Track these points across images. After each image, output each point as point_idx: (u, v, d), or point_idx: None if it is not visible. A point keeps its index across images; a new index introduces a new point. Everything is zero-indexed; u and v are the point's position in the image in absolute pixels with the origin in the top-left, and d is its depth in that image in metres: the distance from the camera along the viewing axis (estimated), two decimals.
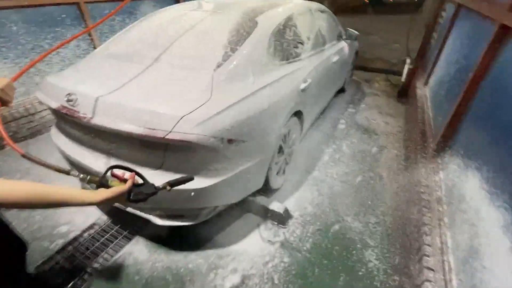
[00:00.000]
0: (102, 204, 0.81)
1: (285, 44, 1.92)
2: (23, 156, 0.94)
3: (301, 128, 2.23)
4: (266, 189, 1.94)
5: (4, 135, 0.94)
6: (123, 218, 1.85)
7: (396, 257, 1.63)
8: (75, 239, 1.72)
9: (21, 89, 2.66)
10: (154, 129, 1.14)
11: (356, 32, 3.35)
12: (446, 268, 1.12)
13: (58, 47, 1.26)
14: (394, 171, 2.40)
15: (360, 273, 1.54)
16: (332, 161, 2.52)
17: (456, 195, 1.30)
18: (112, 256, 1.62)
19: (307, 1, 2.68)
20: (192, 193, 1.23)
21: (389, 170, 2.42)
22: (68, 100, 1.30)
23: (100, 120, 1.21)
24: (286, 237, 1.75)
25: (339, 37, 3.23)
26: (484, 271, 0.88)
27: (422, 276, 1.15)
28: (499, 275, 0.82)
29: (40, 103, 2.75)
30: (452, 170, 1.45)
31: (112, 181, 0.87)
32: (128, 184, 0.85)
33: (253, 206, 1.89)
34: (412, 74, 3.76)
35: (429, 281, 1.12)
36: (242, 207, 1.92)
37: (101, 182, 0.87)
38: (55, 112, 1.46)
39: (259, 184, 1.79)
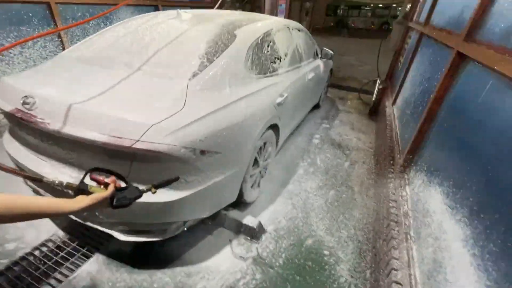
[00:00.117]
0: (83, 213, 0.74)
1: (262, 58, 1.95)
2: None
3: (277, 141, 2.25)
4: (240, 203, 1.89)
5: None
6: (82, 234, 1.70)
7: (367, 271, 1.65)
8: (23, 258, 1.53)
9: None
10: (120, 137, 1.07)
11: (331, 52, 3.52)
12: (413, 282, 1.14)
13: (19, 43, 1.16)
14: (365, 186, 2.48)
15: None
16: (307, 174, 2.55)
17: (421, 209, 1.36)
18: (66, 277, 1.46)
19: (286, 19, 2.79)
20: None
21: (360, 185, 2.49)
22: (24, 103, 1.19)
23: (60, 126, 1.12)
24: (259, 252, 1.71)
25: (315, 56, 3.37)
26: (448, 284, 0.91)
27: None
28: None
29: None
30: (417, 185, 1.52)
31: (92, 187, 0.81)
32: (110, 189, 0.80)
33: (225, 221, 1.83)
34: (382, 93, 4.00)
35: None
36: (214, 221, 1.85)
37: (80, 188, 0.80)
38: (9, 116, 1.32)
39: (233, 198, 1.74)
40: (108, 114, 1.13)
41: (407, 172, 1.80)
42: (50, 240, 1.65)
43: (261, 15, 2.76)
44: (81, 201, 0.75)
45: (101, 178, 0.83)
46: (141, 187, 0.88)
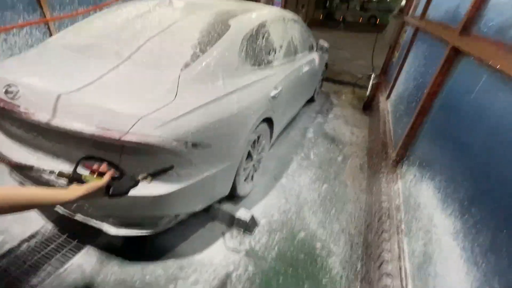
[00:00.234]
0: (77, 202, 0.72)
1: (257, 50, 1.91)
2: None
3: (271, 135, 2.23)
4: (233, 196, 1.88)
5: None
6: (72, 227, 1.66)
7: (359, 264, 1.67)
8: (10, 251, 1.50)
9: None
10: (108, 129, 1.03)
11: (327, 45, 3.49)
12: (403, 274, 1.16)
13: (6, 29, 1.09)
14: (358, 180, 2.50)
15: (324, 281, 1.55)
16: (300, 169, 2.55)
17: (412, 203, 1.37)
18: (56, 269, 1.44)
19: (281, 10, 2.74)
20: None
21: (353, 179, 2.51)
22: (7, 92, 1.13)
23: (45, 116, 1.07)
24: (251, 245, 1.71)
25: (311, 48, 3.33)
26: (437, 277, 0.93)
27: (381, 282, 1.18)
28: (450, 281, 0.86)
29: None
30: (409, 180, 1.54)
31: (86, 176, 0.78)
32: (106, 178, 0.77)
33: (218, 214, 1.82)
34: (376, 88, 4.00)
35: (388, 286, 1.15)
36: (206, 215, 1.84)
37: (73, 177, 0.77)
38: None
39: (226, 191, 1.73)
40: (96, 105, 1.09)
41: (399, 166, 1.82)
42: (38, 233, 1.61)
43: (257, 4, 2.69)
44: (76, 190, 0.72)
45: (94, 166, 0.81)
46: (137, 176, 0.86)
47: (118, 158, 1.13)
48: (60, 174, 0.78)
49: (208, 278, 1.48)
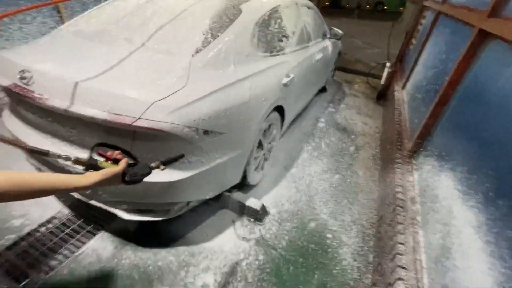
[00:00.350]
0: (93, 188, 0.72)
1: (269, 36, 1.86)
2: None
3: (282, 124, 2.19)
4: (243, 185, 1.88)
5: None
6: (87, 212, 1.71)
7: (370, 255, 1.65)
8: (29, 234, 1.55)
9: None
10: (120, 114, 1.03)
11: (341, 32, 3.37)
12: (418, 267, 1.13)
13: (18, 12, 1.07)
14: (371, 171, 2.44)
15: (334, 271, 1.54)
16: (311, 158, 2.51)
17: (430, 195, 1.32)
18: (72, 253, 1.48)
19: None
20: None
21: (365, 169, 2.45)
22: (22, 78, 1.14)
23: (58, 102, 1.08)
24: (262, 234, 1.71)
25: (324, 35, 3.23)
26: (456, 270, 0.89)
27: (395, 275, 1.16)
28: (471, 275, 0.83)
29: None
30: (426, 171, 1.48)
31: (102, 162, 0.79)
32: (122, 164, 0.78)
33: (229, 202, 1.82)
34: (391, 77, 3.86)
35: (402, 279, 1.12)
36: (217, 202, 1.85)
37: (90, 163, 0.78)
38: (7, 91, 1.28)
39: (236, 179, 1.72)
40: (108, 91, 1.08)
41: (415, 157, 1.76)
42: (55, 218, 1.66)
43: None
44: (93, 176, 0.73)
45: (109, 153, 0.81)
46: (150, 164, 0.86)
47: (130, 144, 1.13)
48: (76, 160, 0.78)
49: (218, 265, 1.50)
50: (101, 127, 1.09)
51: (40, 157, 1.33)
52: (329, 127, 3.14)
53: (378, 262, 1.49)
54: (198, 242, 1.61)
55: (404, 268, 1.16)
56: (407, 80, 3.05)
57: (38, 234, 1.56)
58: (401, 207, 1.48)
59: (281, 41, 2.03)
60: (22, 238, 1.53)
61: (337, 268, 1.56)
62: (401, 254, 1.22)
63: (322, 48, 3.00)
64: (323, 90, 4.02)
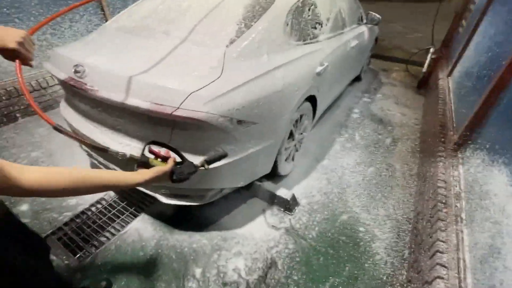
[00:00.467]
0: (145, 185, 0.78)
1: (302, 24, 1.81)
2: (55, 128, 0.91)
3: (314, 114, 2.15)
4: (274, 175, 1.89)
5: (34, 105, 0.88)
6: (129, 195, 1.86)
7: (405, 251, 1.58)
8: (83, 212, 1.74)
9: (33, 63, 2.65)
10: (161, 104, 1.09)
11: (379, 16, 3.15)
12: (461, 266, 1.06)
13: (74, 7, 1.17)
14: (408, 164, 2.31)
15: (366, 265, 1.51)
16: (343, 150, 2.44)
17: (478, 191, 1.22)
18: (118, 231, 1.64)
19: None
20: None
21: (402, 163, 2.32)
22: (76, 72, 1.26)
23: (107, 93, 1.17)
24: (291, 224, 1.72)
25: (360, 21, 3.05)
26: (507, 272, 0.82)
27: (434, 273, 1.10)
28: None
29: (52, 77, 2.75)
30: (475, 165, 1.36)
31: (153, 160, 0.85)
32: (170, 163, 0.83)
33: (259, 191, 1.85)
34: (434, 64, 3.55)
35: (441, 278, 1.06)
36: (248, 191, 1.89)
37: (142, 161, 0.84)
38: (63, 84, 1.43)
39: (267, 169, 1.74)
40: (150, 82, 1.15)
41: (461, 150, 1.62)
42: (103, 199, 1.84)
43: None
44: (145, 174, 0.77)
45: (158, 151, 0.86)
46: (195, 162, 0.90)
47: (170, 132, 1.20)
48: (131, 158, 0.85)
49: (249, 251, 1.55)
50: (144, 116, 1.17)
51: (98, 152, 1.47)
52: (363, 118, 3.01)
53: (414, 259, 1.42)
54: (230, 228, 1.68)
55: (444, 266, 1.10)
56: (454, 66, 2.77)
57: (89, 213, 1.74)
58: (443, 203, 1.39)
59: (315, 28, 1.96)
60: (76, 216, 1.72)
61: (369, 262, 1.52)
62: (441, 252, 1.15)
63: (358, 35, 2.84)
64: (357, 79, 3.83)
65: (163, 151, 0.87)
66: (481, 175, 1.25)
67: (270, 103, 1.41)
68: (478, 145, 1.41)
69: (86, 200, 1.81)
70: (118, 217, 1.73)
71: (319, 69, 1.84)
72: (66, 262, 1.45)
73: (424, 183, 1.83)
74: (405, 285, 1.41)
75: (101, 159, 1.58)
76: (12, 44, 0.78)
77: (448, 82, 2.76)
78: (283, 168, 1.91)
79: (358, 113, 3.11)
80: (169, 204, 1.47)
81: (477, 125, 1.51)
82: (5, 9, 2.35)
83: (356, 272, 1.47)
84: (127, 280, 1.38)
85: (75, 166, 0.69)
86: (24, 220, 1.40)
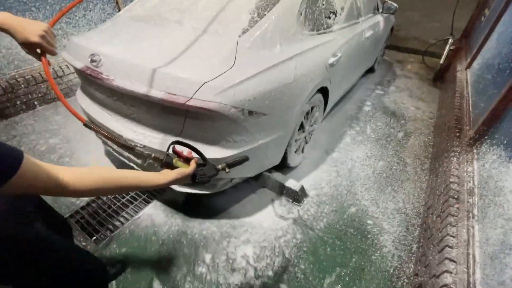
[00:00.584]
0: (169, 185, 0.79)
1: (316, 13, 1.77)
2: (85, 125, 0.94)
3: (325, 106, 2.13)
4: (283, 166, 1.91)
5: (65, 103, 0.89)
6: None
7: (414, 245, 1.58)
8: (98, 197, 1.81)
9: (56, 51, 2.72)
10: (175, 94, 1.11)
11: (395, 5, 3.04)
12: (471, 261, 1.05)
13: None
14: (420, 159, 2.27)
15: (374, 257, 1.52)
16: (354, 143, 2.42)
17: (492, 188, 1.19)
18: (132, 216, 1.70)
19: None
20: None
21: (414, 157, 2.29)
22: (92, 61, 1.29)
23: (123, 82, 1.20)
24: (300, 214, 1.74)
25: (375, 10, 2.95)
26: None
27: (442, 267, 1.10)
28: None
29: (67, 66, 2.82)
30: (490, 161, 1.33)
31: (177, 161, 0.86)
32: (193, 165, 0.84)
33: (269, 182, 1.88)
34: (453, 56, 3.42)
35: (449, 272, 1.07)
36: (258, 181, 1.92)
37: (166, 162, 0.85)
38: (79, 72, 1.46)
39: (277, 160, 1.75)
40: (163, 72, 1.17)
41: (477, 145, 1.58)
42: None
43: None
44: (169, 175, 0.78)
45: (181, 151, 0.87)
46: (217, 166, 0.92)
47: (183, 122, 1.22)
48: (155, 158, 0.86)
49: (258, 239, 1.58)
50: (158, 106, 1.19)
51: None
52: (375, 111, 2.95)
53: (422, 253, 1.42)
54: (239, 217, 1.71)
55: (453, 261, 1.10)
56: (474, 58, 2.66)
57: (105, 198, 1.81)
58: (455, 198, 1.37)
59: (329, 18, 1.92)
60: (93, 200, 1.79)
61: (376, 254, 1.53)
62: (451, 247, 1.15)
63: (373, 25, 2.76)
64: (370, 70, 3.74)
65: (185, 151, 0.88)
66: (496, 171, 1.22)
67: (282, 95, 1.40)
68: (495, 141, 1.37)
69: None
70: (132, 203, 1.79)
71: (332, 60, 1.81)
72: (83, 243, 1.53)
73: (436, 178, 1.80)
74: (412, 278, 1.42)
75: (115, 147, 1.63)
76: (34, 38, 0.79)
77: (466, 75, 2.67)
78: (292, 160, 1.92)
79: (370, 105, 3.05)
80: (180, 191, 1.52)
81: (495, 120, 1.46)
82: None
83: (363, 263, 1.48)
84: (140, 262, 1.45)
85: (96, 166, 0.71)
86: None
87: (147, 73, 1.18)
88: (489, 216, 1.11)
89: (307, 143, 2.15)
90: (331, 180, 2.01)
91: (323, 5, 1.84)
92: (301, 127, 1.88)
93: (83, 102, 1.62)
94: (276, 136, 1.53)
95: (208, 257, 1.48)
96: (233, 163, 0.97)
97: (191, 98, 1.09)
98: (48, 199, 1.76)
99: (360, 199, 1.87)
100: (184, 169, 0.82)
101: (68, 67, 2.82)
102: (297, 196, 1.78)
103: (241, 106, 1.21)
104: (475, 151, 1.57)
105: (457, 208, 1.31)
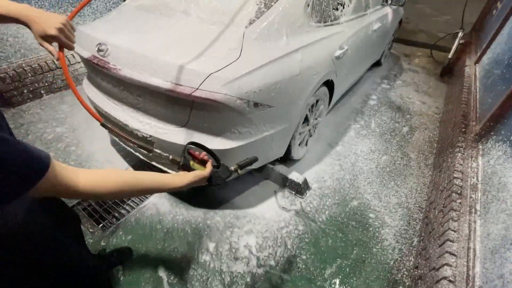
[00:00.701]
0: (186, 188, 0.79)
1: (324, 5, 1.74)
2: (102, 125, 0.95)
3: (330, 99, 2.12)
4: (286, 159, 1.92)
5: (83, 102, 0.88)
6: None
7: (415, 239, 1.60)
8: None
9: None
10: (181, 85, 1.12)
11: None
12: (471, 255, 1.07)
13: None
14: (425, 154, 2.26)
15: (374, 249, 1.54)
16: (358, 137, 2.41)
17: (495, 183, 1.20)
18: (137, 205, 1.74)
19: None
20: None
21: (418, 152, 2.28)
22: (99, 50, 1.29)
23: (130, 72, 1.21)
24: (302, 206, 1.76)
25: (384, 2, 2.89)
26: None
27: (442, 260, 1.12)
28: None
29: (73, 55, 2.82)
30: (495, 157, 1.32)
31: (194, 164, 0.87)
32: (209, 168, 0.85)
33: (272, 174, 1.89)
34: (462, 50, 3.35)
35: (449, 265, 1.08)
36: (261, 173, 1.93)
37: (184, 164, 0.86)
38: (86, 62, 1.47)
39: (281, 153, 1.76)
40: (170, 62, 1.17)
41: (483, 141, 1.57)
42: None
43: None
44: (187, 177, 0.78)
45: (197, 154, 0.88)
46: (230, 167, 0.94)
47: (188, 113, 1.23)
48: (173, 160, 0.87)
49: (260, 229, 1.61)
50: (164, 96, 1.20)
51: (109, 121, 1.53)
52: (381, 105, 2.93)
53: (423, 246, 1.44)
54: (242, 208, 1.74)
55: (453, 255, 1.11)
56: (484, 53, 2.61)
57: None
58: (458, 193, 1.37)
59: (336, 9, 1.89)
60: None
61: (377, 247, 1.56)
62: (452, 241, 1.16)
63: (381, 17, 2.71)
64: (377, 64, 3.69)
65: (199, 152, 0.89)
66: (501, 167, 1.22)
67: (287, 87, 1.40)
68: (501, 137, 1.37)
69: None
70: None
71: (338, 52, 1.79)
72: (90, 230, 1.57)
73: (440, 173, 1.80)
74: (411, 270, 1.44)
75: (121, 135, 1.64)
76: (51, 31, 0.76)
77: (475, 70, 2.62)
78: (296, 153, 1.93)
79: (376, 99, 3.03)
80: None
81: (502, 116, 1.45)
82: None
83: (363, 255, 1.51)
84: (146, 250, 1.48)
85: (115, 169, 0.69)
86: None
87: (153, 63, 1.19)
88: (491, 212, 1.12)
89: (311, 136, 2.16)
90: (334, 173, 2.02)
91: None
92: (306, 120, 1.88)
93: (89, 91, 1.63)
94: (281, 129, 1.54)
95: (211, 246, 1.51)
96: (244, 164, 0.98)
97: (197, 89, 1.10)
98: None
99: (362, 193, 1.88)
100: (201, 172, 0.82)
101: (74, 57, 2.83)
102: (300, 189, 1.79)
103: (247, 97, 1.21)
104: (480, 146, 1.56)
105: (460, 203, 1.31)
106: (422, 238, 1.54)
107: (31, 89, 2.61)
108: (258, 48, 1.31)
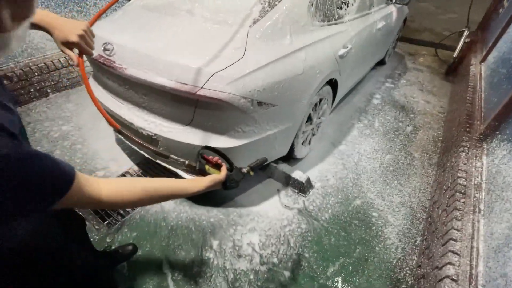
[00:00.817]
0: (203, 192, 0.80)
1: (328, 4, 1.74)
2: (118, 131, 0.97)
3: (333, 98, 2.12)
4: (289, 158, 1.93)
5: (100, 108, 0.89)
6: (151, 169, 1.97)
7: (418, 238, 1.60)
8: None
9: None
10: (185, 84, 1.13)
11: None
12: (474, 254, 1.07)
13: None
14: (428, 153, 2.26)
15: (377, 248, 1.54)
16: (361, 136, 2.41)
17: (500, 183, 1.19)
18: None
19: None
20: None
21: (422, 152, 2.27)
22: (105, 49, 1.31)
23: (135, 71, 1.22)
24: (305, 205, 1.77)
25: (388, 0, 2.88)
26: None
27: (445, 259, 1.12)
28: None
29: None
30: (500, 156, 1.32)
31: (210, 168, 0.88)
32: (224, 172, 0.86)
33: (275, 173, 1.90)
34: (467, 48, 3.32)
35: (452, 264, 1.08)
36: (264, 172, 1.95)
37: (200, 169, 0.87)
38: (92, 61, 1.49)
39: (284, 152, 1.77)
40: (175, 61, 1.19)
41: (487, 141, 1.56)
42: (128, 172, 1.96)
43: None
44: (203, 182, 0.78)
45: (211, 158, 0.89)
46: (243, 169, 0.95)
47: (193, 111, 1.25)
48: (189, 165, 0.89)
49: (264, 227, 1.62)
50: (169, 95, 1.22)
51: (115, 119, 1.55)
52: (384, 104, 2.92)
53: (426, 245, 1.44)
54: (246, 206, 1.75)
55: (456, 254, 1.11)
56: (489, 51, 2.59)
57: None
58: (462, 193, 1.37)
59: (340, 8, 1.89)
60: None
61: (380, 246, 1.56)
62: (455, 240, 1.16)
63: (385, 15, 2.70)
64: (381, 63, 3.68)
65: (212, 156, 0.90)
66: (505, 167, 1.21)
67: (291, 86, 1.41)
68: (506, 136, 1.36)
69: (113, 173, 1.94)
70: None
71: (342, 51, 1.79)
72: (96, 227, 1.60)
73: (444, 173, 1.80)
74: (414, 269, 1.44)
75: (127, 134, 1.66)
76: (73, 38, 0.76)
77: (480, 69, 2.60)
78: (299, 151, 1.94)
79: (380, 99, 3.02)
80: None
81: (507, 115, 1.44)
82: None
83: (366, 254, 1.51)
84: (150, 246, 1.51)
85: (134, 178, 0.68)
86: None
87: (158, 63, 1.20)
88: (495, 211, 1.12)
89: (314, 135, 2.16)
90: (337, 172, 2.03)
91: None
92: (309, 119, 1.88)
93: (95, 90, 1.65)
94: (284, 127, 1.54)
95: (215, 243, 1.53)
96: (255, 165, 1.00)
97: (201, 88, 1.11)
98: None
99: (365, 192, 1.89)
100: (217, 176, 0.83)
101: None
102: (303, 187, 1.80)
103: (251, 96, 1.22)
104: (485, 146, 1.56)
105: (463, 202, 1.31)
106: (425, 237, 1.54)
107: (38, 88, 2.65)
108: (262, 47, 1.31)
